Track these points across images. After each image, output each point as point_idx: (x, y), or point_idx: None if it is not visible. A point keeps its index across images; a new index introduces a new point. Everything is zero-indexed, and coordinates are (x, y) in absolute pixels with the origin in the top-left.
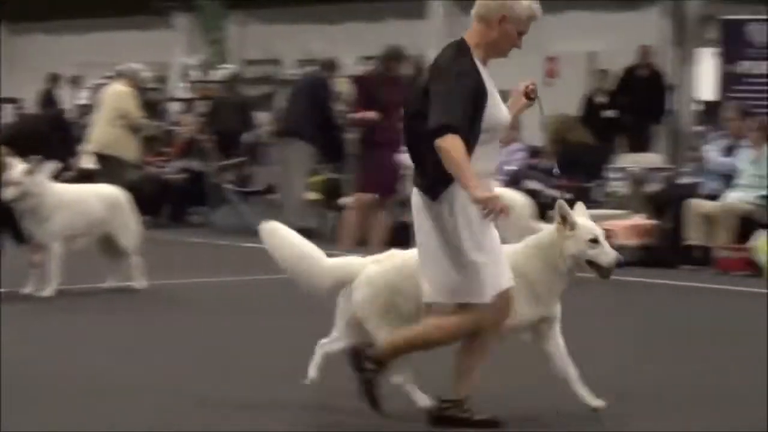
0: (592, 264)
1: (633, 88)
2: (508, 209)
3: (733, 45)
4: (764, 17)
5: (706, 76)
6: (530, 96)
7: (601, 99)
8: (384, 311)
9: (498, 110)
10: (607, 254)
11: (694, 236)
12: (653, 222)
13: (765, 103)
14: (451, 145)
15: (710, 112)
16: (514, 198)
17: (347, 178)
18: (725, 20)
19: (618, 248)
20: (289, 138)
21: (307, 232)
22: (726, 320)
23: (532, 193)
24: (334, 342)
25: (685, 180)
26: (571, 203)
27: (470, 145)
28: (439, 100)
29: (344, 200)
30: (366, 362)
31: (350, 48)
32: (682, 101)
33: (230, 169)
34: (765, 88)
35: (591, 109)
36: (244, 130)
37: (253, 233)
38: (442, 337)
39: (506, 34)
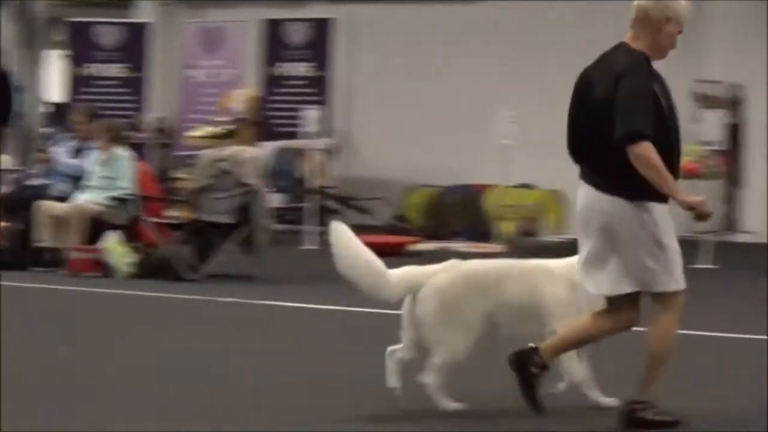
0: None
1: None
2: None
3: (81, 47)
4: (110, 20)
5: (54, 77)
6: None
7: None
8: (451, 324)
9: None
10: None
11: (44, 238)
12: (3, 224)
13: (113, 105)
14: (646, 151)
15: (59, 113)
16: None
17: None
18: (72, 22)
19: None
20: None
21: None
22: (77, 321)
23: None
24: (406, 350)
25: (34, 181)
26: None
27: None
28: (628, 108)
29: None
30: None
31: None
32: (31, 103)
33: None
34: (112, 90)
35: None
36: None
37: None
38: (668, 344)
39: (669, 35)
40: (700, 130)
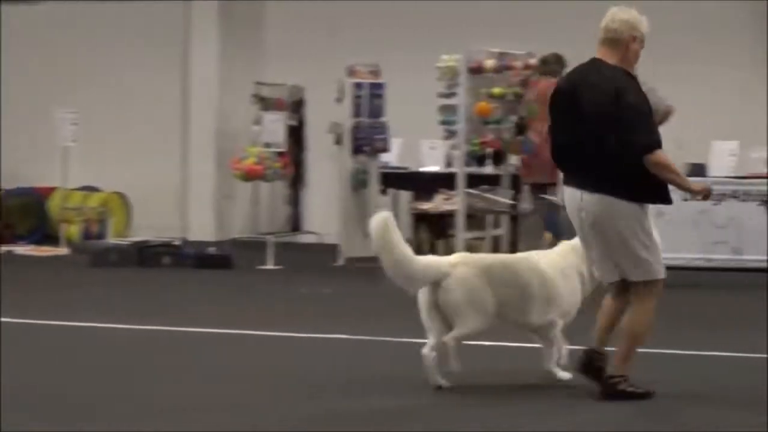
0: None
1: None
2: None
3: None
4: None
5: None
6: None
7: None
8: (474, 308)
9: None
10: None
11: None
12: None
13: None
14: (663, 158)
15: None
16: None
17: None
18: None
19: None
20: None
21: None
22: None
23: None
24: (437, 337)
25: None
26: None
27: None
28: (641, 121)
29: None
30: (616, 384)
31: None
32: None
33: None
34: None
35: None
36: None
37: None
38: (647, 327)
39: (635, 53)
40: (262, 132)
